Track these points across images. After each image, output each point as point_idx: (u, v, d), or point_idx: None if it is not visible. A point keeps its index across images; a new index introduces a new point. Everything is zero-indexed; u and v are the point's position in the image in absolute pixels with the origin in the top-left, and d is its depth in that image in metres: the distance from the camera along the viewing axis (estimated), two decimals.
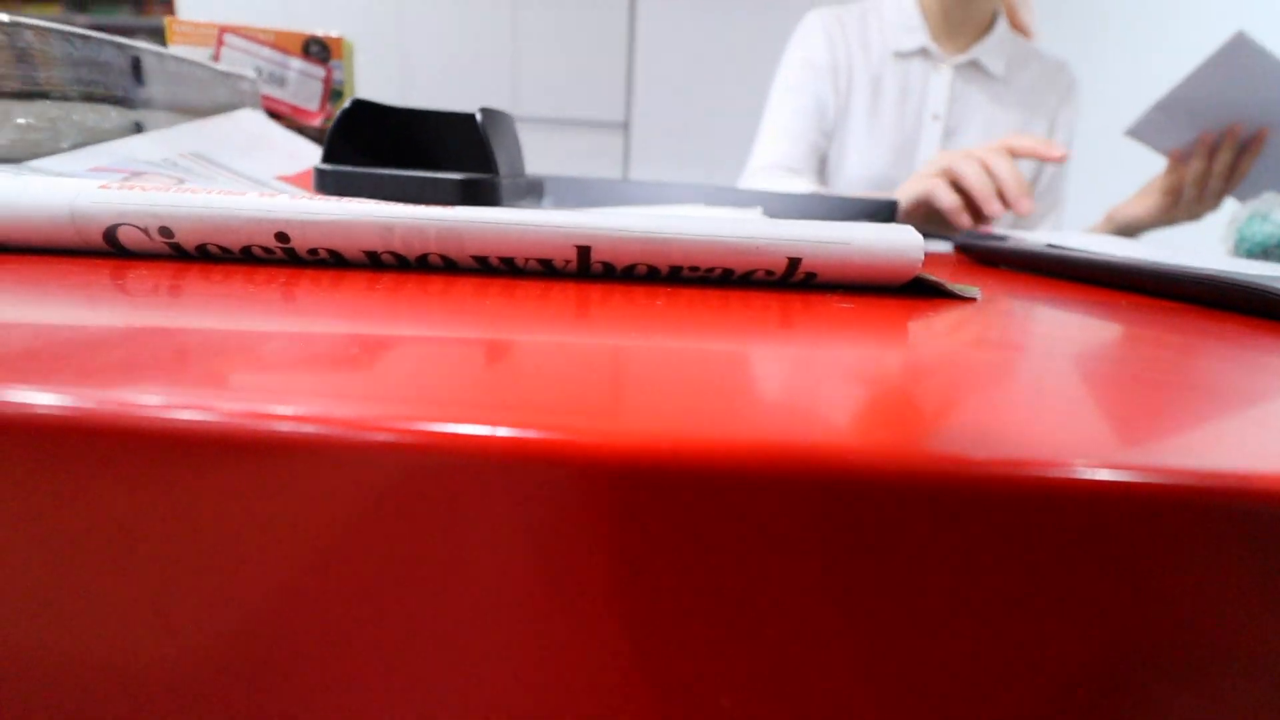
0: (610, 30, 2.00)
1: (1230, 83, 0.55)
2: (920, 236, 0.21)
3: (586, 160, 2.11)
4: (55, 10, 2.43)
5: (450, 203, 0.26)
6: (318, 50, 0.40)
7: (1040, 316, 0.20)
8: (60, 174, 0.24)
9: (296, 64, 0.39)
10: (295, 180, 0.33)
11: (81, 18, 2.36)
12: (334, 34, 0.40)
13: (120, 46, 0.29)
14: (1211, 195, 0.65)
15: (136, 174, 0.26)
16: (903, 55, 0.80)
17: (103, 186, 0.18)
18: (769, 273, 0.21)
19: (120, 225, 0.18)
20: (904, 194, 0.57)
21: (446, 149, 0.30)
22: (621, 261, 0.20)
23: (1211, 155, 0.62)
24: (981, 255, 0.36)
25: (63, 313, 0.13)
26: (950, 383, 0.12)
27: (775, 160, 0.80)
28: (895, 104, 0.81)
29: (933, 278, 0.22)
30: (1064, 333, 0.17)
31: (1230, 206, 0.96)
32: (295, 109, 0.40)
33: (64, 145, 0.27)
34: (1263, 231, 0.45)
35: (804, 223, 0.21)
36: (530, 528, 0.09)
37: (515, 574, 0.09)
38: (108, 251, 0.19)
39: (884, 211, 0.44)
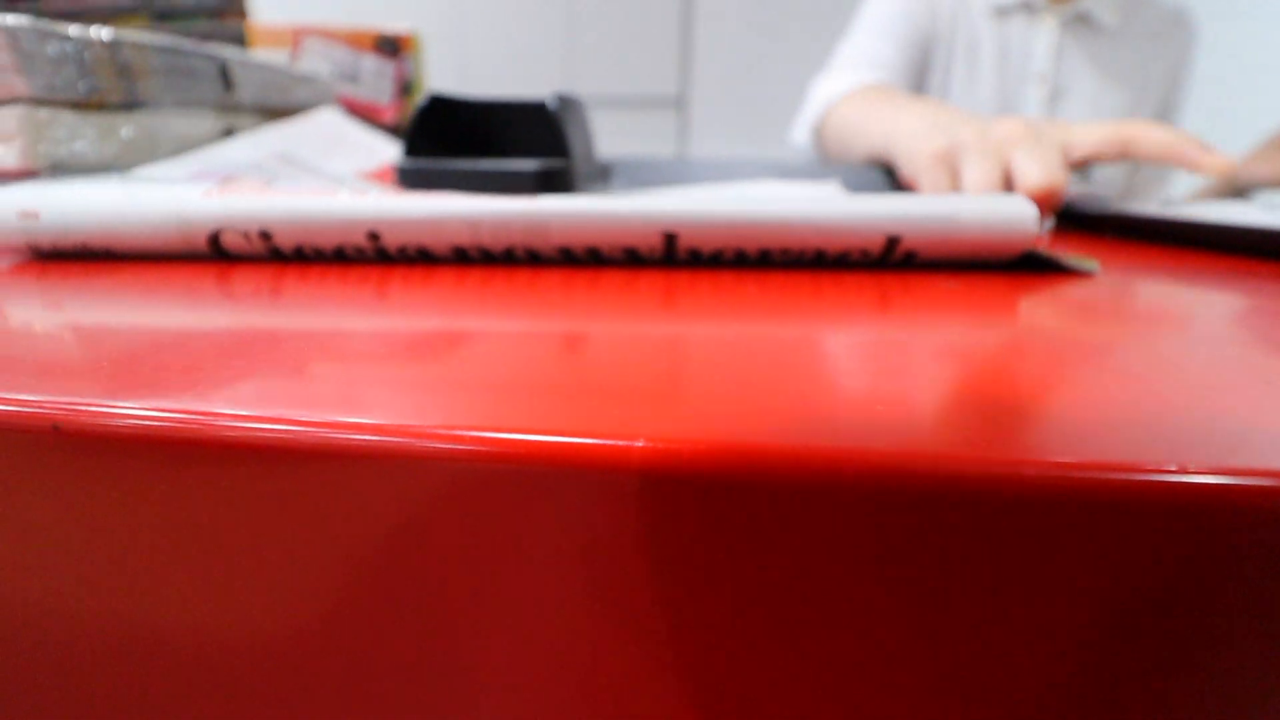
0: (664, 4, 1.96)
1: None
2: (1033, 206, 0.19)
3: (643, 137, 2.09)
4: (142, 22, 2.59)
5: (528, 192, 0.26)
6: (388, 47, 0.40)
7: (1183, 293, 0.18)
8: (164, 179, 0.25)
9: (369, 61, 0.40)
10: (375, 176, 0.34)
11: (165, 27, 2.50)
12: (403, 30, 0.40)
13: (210, 56, 0.30)
14: None
15: (229, 178, 0.27)
16: (1003, 11, 0.73)
17: (205, 194, 0.19)
18: (864, 253, 0.20)
19: (223, 231, 0.19)
20: (902, 160, 0.41)
21: (521, 137, 0.30)
22: (709, 247, 0.19)
23: None
24: (1081, 221, 0.34)
25: (190, 319, 0.14)
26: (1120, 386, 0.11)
27: (866, 59, 0.70)
28: (994, 67, 0.73)
29: (1045, 251, 0.20)
30: (1220, 311, 0.16)
31: None
32: (369, 105, 0.41)
33: (162, 153, 0.28)
34: None
35: (902, 199, 0.19)
36: (606, 538, 0.09)
37: (590, 586, 0.09)
38: (209, 255, 0.20)
39: None
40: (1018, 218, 0.19)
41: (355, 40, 0.40)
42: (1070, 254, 0.21)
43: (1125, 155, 0.33)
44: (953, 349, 0.12)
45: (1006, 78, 0.74)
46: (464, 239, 0.19)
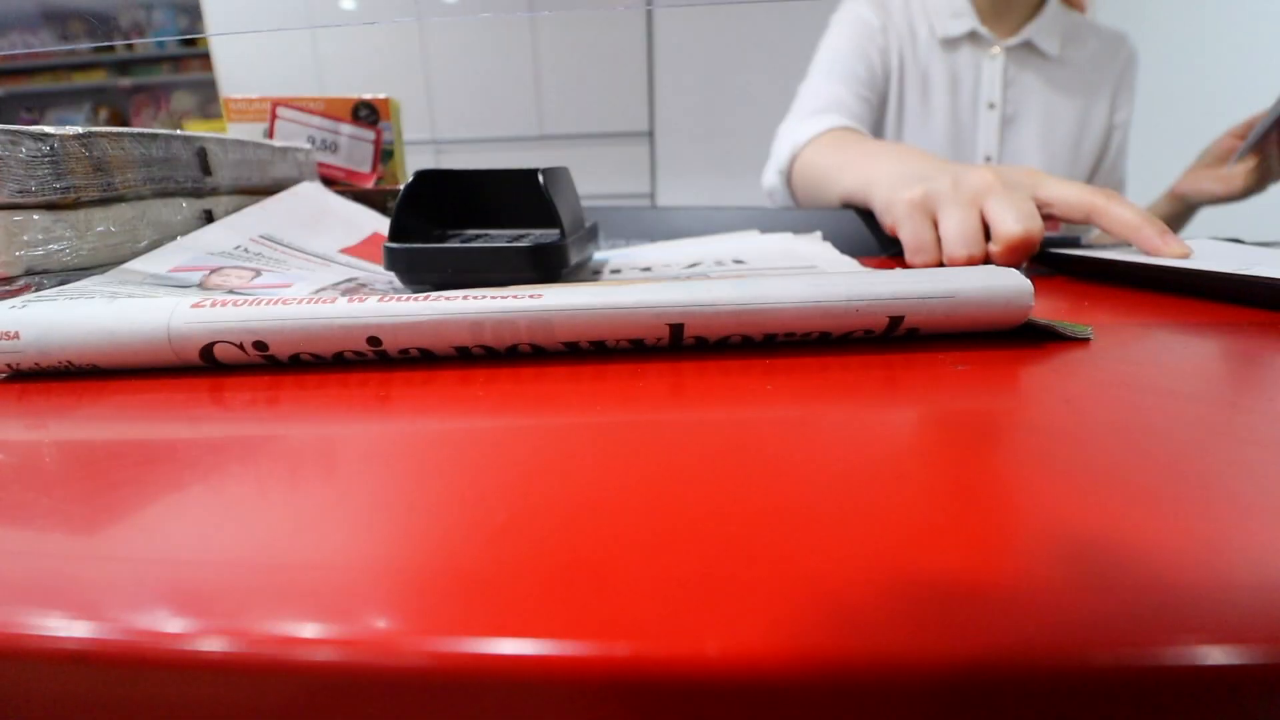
0: (629, 42, 2.00)
1: None
2: (1028, 282, 0.19)
3: (615, 172, 2.11)
4: (101, 75, 2.56)
5: (521, 269, 0.26)
6: (367, 114, 0.40)
7: (1181, 357, 0.18)
8: (146, 276, 0.25)
9: (347, 129, 0.40)
10: (357, 250, 0.34)
11: (125, 80, 2.47)
12: (380, 96, 0.40)
13: (187, 140, 0.30)
14: None
15: (216, 270, 0.26)
16: (950, 42, 0.75)
17: (195, 305, 0.19)
18: (868, 331, 0.20)
19: (216, 343, 0.18)
20: (880, 206, 0.42)
21: (510, 205, 0.30)
22: (715, 335, 0.19)
23: None
24: (1051, 261, 0.34)
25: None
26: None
27: (828, 104, 0.72)
28: (946, 95, 0.75)
29: (1041, 321, 0.21)
30: (1230, 379, 0.16)
31: None
32: (349, 173, 0.41)
33: (141, 244, 0.27)
34: None
35: (903, 276, 0.19)
36: None
37: None
38: (202, 367, 0.19)
39: None
40: (1015, 293, 0.19)
41: (332, 109, 0.40)
42: (1064, 322, 0.21)
43: (1089, 222, 0.34)
44: (991, 490, 0.12)
45: (959, 107, 0.76)
46: (466, 339, 0.19)
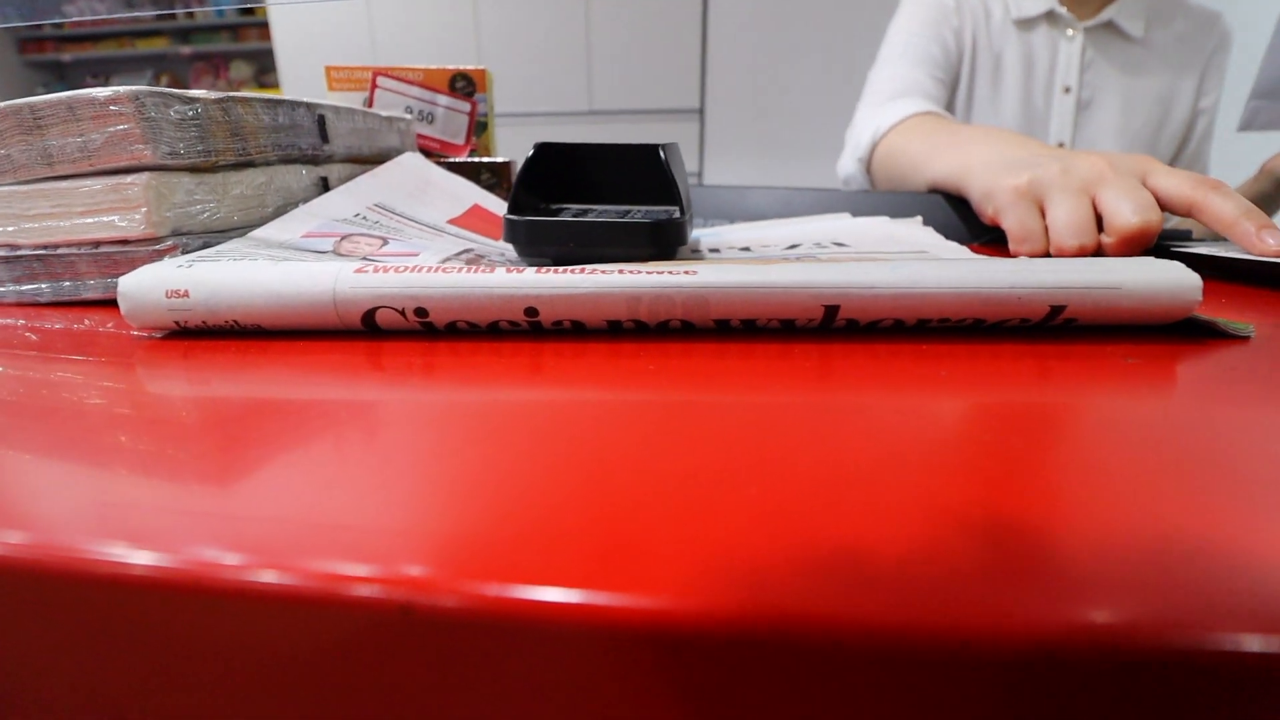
0: (683, 19, 1.97)
1: None
2: (1196, 276, 0.19)
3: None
4: (163, 43, 2.61)
5: (641, 245, 0.26)
6: (464, 85, 0.40)
7: None
8: (280, 242, 0.25)
9: (444, 100, 0.40)
10: (462, 221, 0.34)
11: (185, 48, 2.52)
12: (477, 68, 0.40)
13: (309, 107, 0.30)
14: None
15: (345, 236, 0.26)
16: (1026, 22, 0.72)
17: (358, 271, 0.19)
18: (1024, 320, 0.19)
19: (379, 308, 0.19)
20: (979, 194, 0.40)
21: (623, 181, 0.30)
22: (869, 317, 0.19)
23: None
24: (1161, 256, 0.33)
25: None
26: None
27: (906, 88, 0.68)
28: (1020, 78, 0.72)
29: (1205, 317, 0.20)
30: None
31: None
32: (444, 144, 0.41)
33: (269, 209, 0.28)
34: None
35: (1067, 265, 0.19)
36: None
37: None
38: (361, 331, 0.20)
39: None
40: (1182, 287, 0.19)
41: (430, 80, 0.40)
42: (1224, 319, 0.20)
43: (1190, 216, 0.32)
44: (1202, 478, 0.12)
45: (1032, 90, 0.73)
46: (622, 313, 0.19)
